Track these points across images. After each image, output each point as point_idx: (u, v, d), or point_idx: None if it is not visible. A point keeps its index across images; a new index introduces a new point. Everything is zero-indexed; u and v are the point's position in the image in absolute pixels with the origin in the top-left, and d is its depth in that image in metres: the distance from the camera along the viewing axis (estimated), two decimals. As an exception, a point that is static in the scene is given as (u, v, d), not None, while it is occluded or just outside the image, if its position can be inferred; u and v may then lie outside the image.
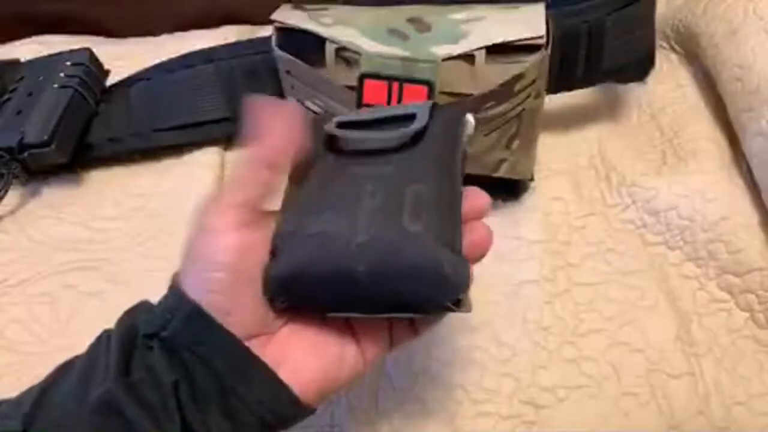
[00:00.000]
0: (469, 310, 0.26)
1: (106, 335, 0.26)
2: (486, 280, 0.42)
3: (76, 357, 0.26)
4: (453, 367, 0.39)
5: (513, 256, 0.43)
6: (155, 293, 0.27)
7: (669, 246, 0.43)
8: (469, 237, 0.27)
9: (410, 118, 0.29)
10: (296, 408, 0.26)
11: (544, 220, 0.45)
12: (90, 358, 0.25)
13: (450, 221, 0.26)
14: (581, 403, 0.37)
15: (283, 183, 0.28)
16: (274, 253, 0.27)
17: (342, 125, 0.29)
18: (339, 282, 0.25)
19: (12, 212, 0.48)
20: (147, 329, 0.25)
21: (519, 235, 0.44)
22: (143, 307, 0.27)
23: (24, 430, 0.23)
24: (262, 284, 0.26)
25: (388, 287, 0.25)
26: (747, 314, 0.40)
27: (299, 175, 0.29)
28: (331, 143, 0.30)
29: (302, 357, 0.27)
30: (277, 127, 0.27)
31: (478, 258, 0.28)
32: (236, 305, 0.25)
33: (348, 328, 0.28)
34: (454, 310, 0.26)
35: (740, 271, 0.40)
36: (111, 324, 0.27)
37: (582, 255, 0.43)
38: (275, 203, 0.28)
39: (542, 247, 0.43)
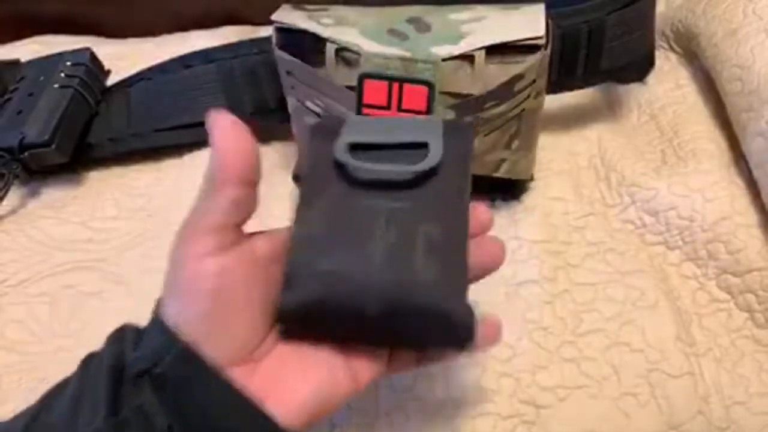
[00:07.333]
0: (472, 351, 0.28)
1: (97, 360, 0.25)
2: (486, 280, 0.42)
3: (68, 379, 0.26)
4: (453, 367, 0.39)
5: (513, 256, 0.43)
6: (155, 293, 0.27)
7: (669, 246, 0.43)
8: (481, 252, 0.28)
9: (423, 146, 0.29)
10: None
11: (544, 220, 0.45)
12: (80, 387, 0.25)
13: (459, 266, 0.27)
14: (581, 403, 0.37)
15: (255, 194, 0.27)
16: (287, 281, 0.27)
17: (352, 147, 0.29)
18: (350, 320, 0.27)
19: (12, 212, 0.48)
20: (137, 366, 0.25)
21: (519, 235, 0.44)
22: (130, 334, 0.26)
23: None
24: (273, 312, 0.27)
25: (398, 328, 0.27)
26: (746, 314, 0.40)
27: (309, 193, 0.29)
28: (342, 168, 0.29)
29: (292, 383, 0.26)
30: (231, 143, 0.25)
31: (490, 272, 0.29)
32: (218, 333, 0.25)
33: (340, 352, 0.28)
34: (459, 352, 0.28)
35: (740, 271, 0.40)
36: (110, 325, 0.27)
37: (582, 255, 0.43)
38: (251, 210, 0.27)
39: (542, 247, 0.43)
